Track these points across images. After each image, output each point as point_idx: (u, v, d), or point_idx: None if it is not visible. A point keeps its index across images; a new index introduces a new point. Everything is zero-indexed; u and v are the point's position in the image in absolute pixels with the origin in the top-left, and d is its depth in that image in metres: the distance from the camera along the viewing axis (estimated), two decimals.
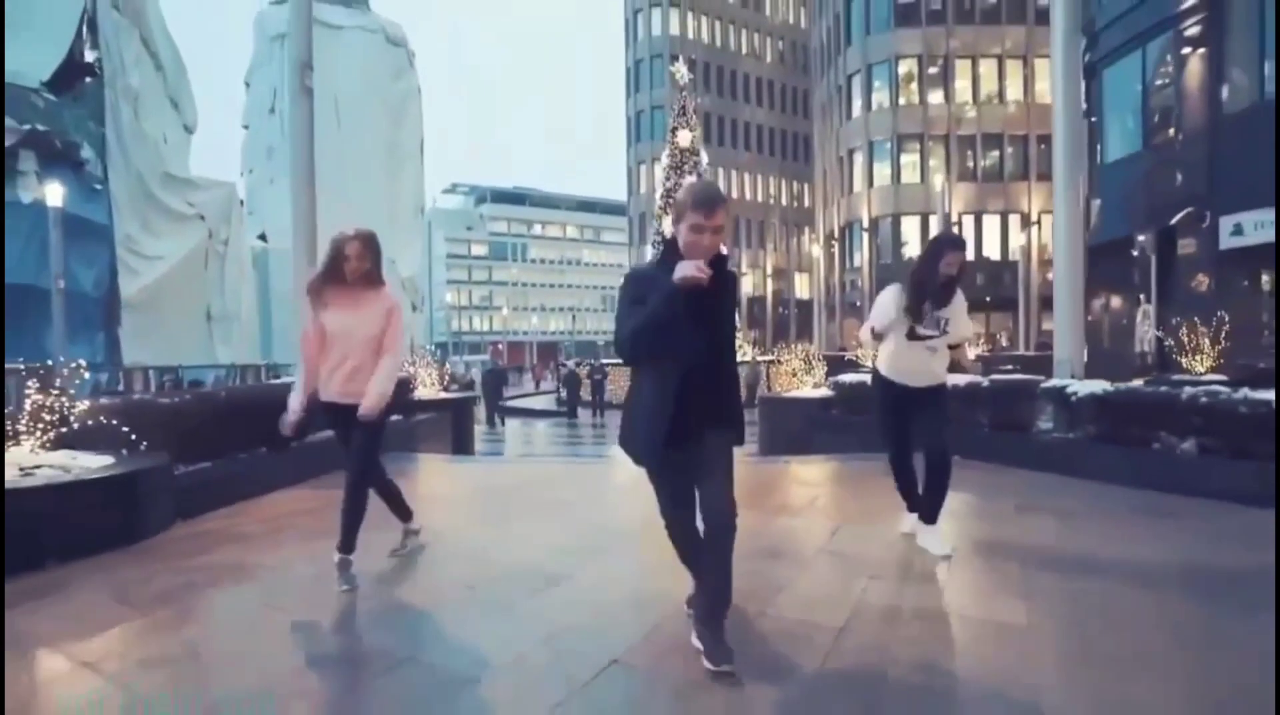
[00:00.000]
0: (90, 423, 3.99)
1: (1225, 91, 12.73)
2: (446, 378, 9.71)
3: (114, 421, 3.94)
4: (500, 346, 56.02)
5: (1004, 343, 28.44)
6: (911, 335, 3.32)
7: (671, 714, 1.93)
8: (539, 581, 3.04)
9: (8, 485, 3.32)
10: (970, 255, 29.49)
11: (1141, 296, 14.50)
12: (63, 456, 3.84)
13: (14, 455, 3.67)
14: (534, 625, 2.57)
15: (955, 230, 20.86)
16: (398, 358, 3.19)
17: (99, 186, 17.99)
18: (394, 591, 3.04)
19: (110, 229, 18.32)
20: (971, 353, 3.70)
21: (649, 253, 24.18)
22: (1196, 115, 13.28)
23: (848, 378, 7.43)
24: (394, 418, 7.83)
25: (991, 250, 30.76)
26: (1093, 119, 16.92)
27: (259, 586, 3.05)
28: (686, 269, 2.01)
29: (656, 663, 2.25)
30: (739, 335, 23.08)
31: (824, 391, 8.33)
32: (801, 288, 44.40)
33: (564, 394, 20.89)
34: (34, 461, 3.70)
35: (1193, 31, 13.27)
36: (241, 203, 26.92)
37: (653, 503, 2.35)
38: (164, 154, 21.47)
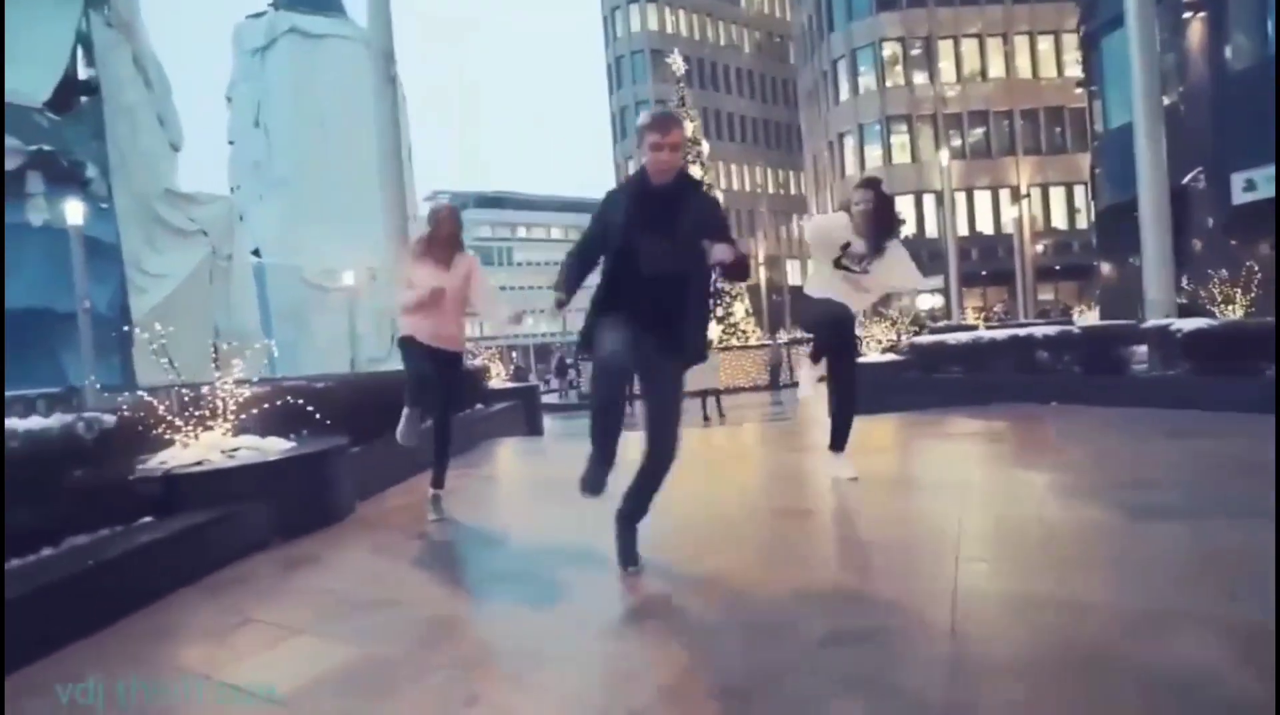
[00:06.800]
0: (267, 406, 4.02)
1: (1229, 51, 13.17)
2: (513, 369, 9.96)
3: (300, 401, 3.99)
4: (493, 351, 55.69)
5: (1001, 313, 28.90)
6: (837, 263, 3.52)
7: None
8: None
9: (216, 465, 3.44)
10: (964, 230, 29.58)
11: None
12: (249, 440, 3.88)
13: (210, 439, 3.71)
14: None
15: (950, 207, 20.72)
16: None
17: (104, 205, 17.67)
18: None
19: (118, 248, 18.01)
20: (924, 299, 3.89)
21: None
22: (1199, 77, 13.72)
23: (924, 339, 7.66)
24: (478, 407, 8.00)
25: (984, 225, 31.31)
26: (1092, 88, 17.40)
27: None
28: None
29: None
30: (750, 319, 23.26)
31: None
32: (794, 274, 44.80)
33: (556, 383, 21.25)
34: (232, 445, 3.75)
35: None
36: (240, 217, 26.54)
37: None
38: (161, 171, 21.14)
